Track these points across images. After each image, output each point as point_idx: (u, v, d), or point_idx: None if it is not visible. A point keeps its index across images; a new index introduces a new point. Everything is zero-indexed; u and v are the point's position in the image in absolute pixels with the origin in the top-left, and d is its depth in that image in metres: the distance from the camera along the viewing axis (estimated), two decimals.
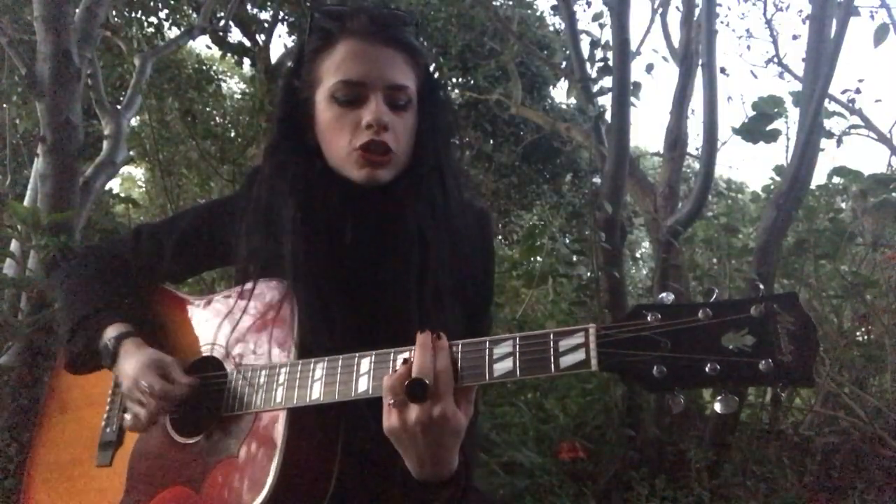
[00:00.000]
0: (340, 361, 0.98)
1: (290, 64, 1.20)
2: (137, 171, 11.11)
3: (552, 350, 0.86)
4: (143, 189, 9.96)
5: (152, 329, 1.21)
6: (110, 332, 1.16)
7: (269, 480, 0.95)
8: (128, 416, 1.11)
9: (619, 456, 2.84)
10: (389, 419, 0.90)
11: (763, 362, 0.76)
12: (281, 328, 1.07)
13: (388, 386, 0.90)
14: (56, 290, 1.33)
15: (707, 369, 0.78)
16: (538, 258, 3.62)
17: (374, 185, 1.11)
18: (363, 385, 0.95)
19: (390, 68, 1.08)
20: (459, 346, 0.91)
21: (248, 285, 1.14)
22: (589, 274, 3.26)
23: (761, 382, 0.78)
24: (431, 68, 1.19)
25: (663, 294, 0.84)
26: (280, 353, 1.05)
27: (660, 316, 0.81)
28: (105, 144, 3.42)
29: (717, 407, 0.80)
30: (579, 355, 0.84)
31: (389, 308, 1.10)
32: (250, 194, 1.21)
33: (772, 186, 3.80)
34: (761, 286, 0.80)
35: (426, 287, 1.11)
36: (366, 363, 0.96)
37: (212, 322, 1.18)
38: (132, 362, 1.10)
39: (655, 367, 0.80)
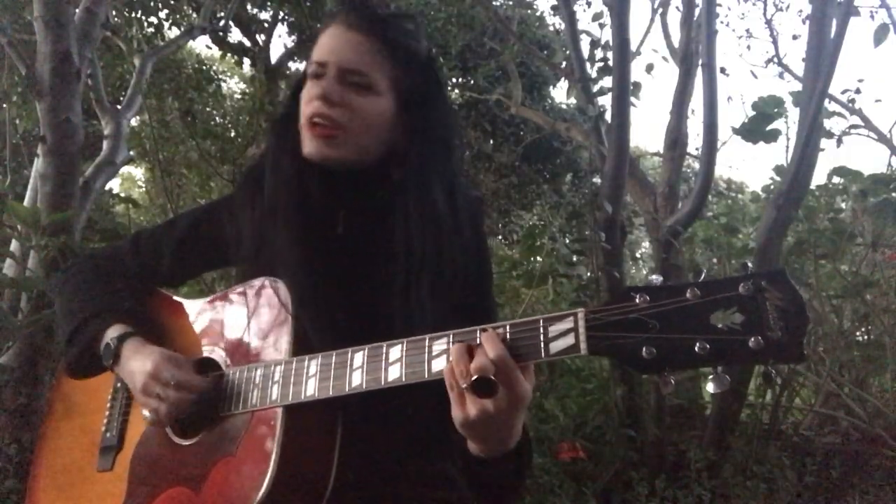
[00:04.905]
0: (334, 357, 0.98)
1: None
2: (137, 171, 11.13)
3: (542, 336, 0.86)
4: (143, 189, 9.98)
5: (152, 330, 1.20)
6: (111, 333, 1.16)
7: (267, 478, 0.95)
8: (146, 413, 1.09)
9: (619, 456, 2.84)
10: (466, 410, 0.87)
11: (753, 339, 0.75)
12: (275, 325, 1.07)
13: (455, 377, 0.87)
14: (54, 295, 1.33)
15: (696, 348, 0.77)
16: (538, 258, 3.62)
17: (324, 162, 1.12)
18: (357, 379, 0.95)
19: (350, 52, 1.11)
20: (451, 336, 0.91)
21: (242, 285, 1.14)
22: (589, 274, 3.26)
23: (752, 360, 0.77)
24: (427, 67, 1.19)
25: (652, 276, 0.83)
26: (275, 351, 1.05)
27: (648, 297, 0.81)
28: (105, 144, 3.42)
29: (710, 386, 0.79)
30: (569, 340, 0.84)
31: (378, 299, 1.11)
32: (246, 192, 1.22)
33: (772, 186, 3.80)
34: (749, 264, 0.80)
35: (409, 278, 1.10)
36: (359, 357, 0.96)
37: (207, 323, 1.18)
38: (143, 358, 1.10)
39: (644, 349, 0.79)
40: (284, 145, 1.18)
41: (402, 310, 1.09)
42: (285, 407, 0.99)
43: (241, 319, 1.12)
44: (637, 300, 0.81)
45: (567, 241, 3.70)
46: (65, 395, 1.32)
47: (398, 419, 1.08)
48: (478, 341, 0.88)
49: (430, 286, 1.11)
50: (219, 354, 1.13)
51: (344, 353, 0.98)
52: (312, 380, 0.98)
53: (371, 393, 0.96)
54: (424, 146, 1.15)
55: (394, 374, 0.93)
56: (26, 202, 2.83)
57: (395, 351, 0.94)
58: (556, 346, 0.85)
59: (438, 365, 0.91)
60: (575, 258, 3.41)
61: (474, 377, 0.84)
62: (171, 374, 1.06)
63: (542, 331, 0.86)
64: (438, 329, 0.94)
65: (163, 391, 1.06)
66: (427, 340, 0.92)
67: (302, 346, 1.04)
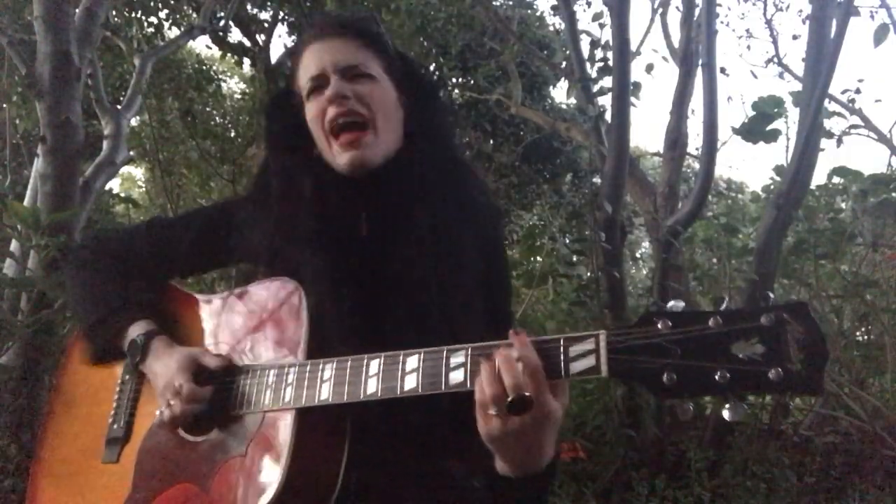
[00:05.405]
0: (350, 363, 0.98)
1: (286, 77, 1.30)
2: (137, 171, 11.14)
3: (562, 355, 0.86)
4: (143, 189, 9.98)
5: (169, 326, 1.21)
6: (136, 330, 1.17)
7: (278, 480, 0.95)
8: (159, 414, 1.11)
9: (619, 456, 2.84)
10: (491, 427, 0.86)
11: (773, 371, 0.76)
12: (291, 327, 1.07)
13: (488, 398, 0.85)
14: (69, 280, 1.33)
15: (717, 377, 0.78)
16: (538, 258, 3.62)
17: (361, 170, 1.14)
18: (372, 387, 0.95)
19: (341, 53, 1.18)
20: (469, 349, 0.91)
21: (257, 284, 1.15)
22: (589, 274, 3.26)
23: (771, 390, 0.77)
24: (404, 57, 1.27)
25: (672, 302, 0.83)
26: (289, 353, 1.05)
27: (670, 323, 0.81)
28: (105, 144, 3.43)
29: (726, 414, 0.80)
30: (589, 361, 0.84)
31: (398, 302, 1.11)
32: (261, 196, 1.24)
33: (772, 186, 3.79)
34: (771, 295, 0.81)
35: (429, 279, 1.12)
36: (375, 365, 0.96)
37: (221, 321, 1.18)
38: (166, 361, 1.12)
39: (665, 374, 0.80)
40: (298, 160, 1.20)
41: (420, 312, 1.09)
42: (297, 409, 0.99)
43: (255, 319, 1.12)
44: (659, 326, 0.81)
45: (567, 241, 3.70)
46: (67, 386, 1.32)
47: (405, 423, 1.08)
48: (496, 359, 0.86)
49: (450, 289, 1.12)
50: (232, 353, 1.13)
51: (359, 359, 0.97)
52: (327, 384, 0.98)
53: (384, 399, 0.96)
54: (425, 130, 1.20)
55: (410, 383, 0.93)
56: (26, 202, 2.84)
57: (412, 361, 0.94)
58: (576, 367, 0.85)
59: (456, 377, 0.90)
60: (575, 258, 3.41)
61: (510, 398, 0.83)
62: (182, 384, 1.07)
63: (562, 350, 0.86)
64: (457, 333, 0.95)
65: (173, 399, 1.07)
66: (445, 352, 0.92)
67: (318, 348, 1.04)
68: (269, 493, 0.95)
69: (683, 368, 0.79)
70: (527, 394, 0.83)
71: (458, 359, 0.91)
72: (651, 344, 0.81)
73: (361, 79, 1.16)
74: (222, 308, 1.19)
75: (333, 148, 1.15)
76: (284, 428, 0.99)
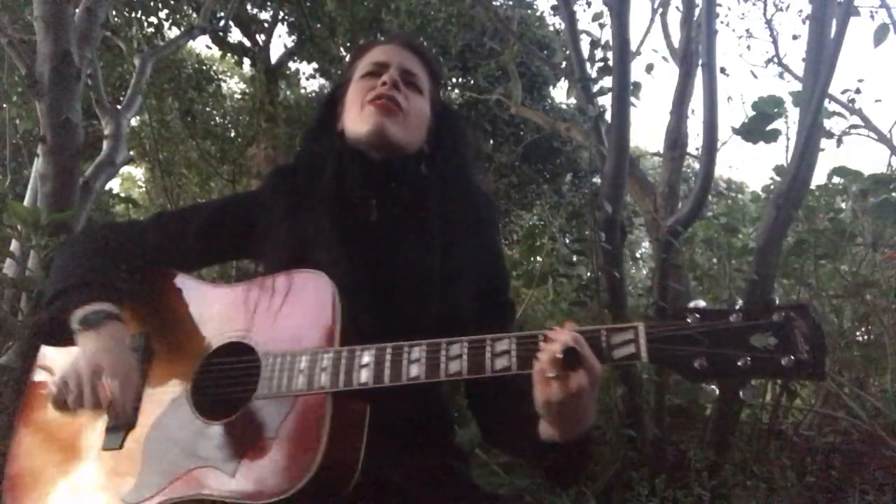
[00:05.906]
0: (389, 349, 1.02)
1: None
2: (137, 171, 11.14)
3: (605, 343, 0.97)
4: (143, 189, 9.99)
5: (143, 309, 1.20)
6: (93, 308, 1.15)
7: (315, 463, 0.96)
8: (53, 387, 1.12)
9: (619, 456, 2.84)
10: (551, 392, 0.95)
11: (785, 358, 0.90)
12: (320, 316, 1.08)
13: (544, 363, 0.95)
14: (56, 255, 1.32)
15: (740, 363, 0.92)
16: (538, 258, 3.62)
17: (380, 140, 1.24)
18: (415, 371, 1.00)
19: (409, 61, 1.36)
20: (513, 338, 0.99)
21: (282, 274, 1.16)
22: (589, 274, 3.25)
23: (784, 375, 0.91)
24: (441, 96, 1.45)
25: (697, 301, 0.98)
26: (319, 340, 1.07)
27: (699, 317, 0.95)
28: (105, 144, 3.43)
29: (743, 395, 0.94)
30: (630, 349, 0.96)
31: (410, 287, 1.17)
32: (276, 187, 1.30)
33: (772, 186, 3.79)
34: (777, 300, 0.94)
35: (445, 265, 1.19)
36: (416, 352, 1.01)
37: (240, 308, 1.18)
38: (108, 348, 1.11)
39: (697, 361, 0.93)
40: (323, 141, 1.31)
41: (433, 296, 1.15)
42: (331, 395, 1.02)
43: (281, 307, 1.13)
44: (689, 320, 0.95)
45: (567, 241, 3.70)
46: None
47: (416, 418, 1.14)
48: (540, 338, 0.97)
49: (459, 274, 1.20)
50: (253, 340, 1.13)
51: (399, 346, 1.03)
52: (366, 369, 1.02)
53: (395, 392, 1.00)
54: (449, 148, 1.35)
55: (454, 367, 0.99)
56: (26, 202, 2.84)
57: (455, 348, 1.00)
58: (618, 353, 0.97)
59: (501, 363, 0.98)
60: (575, 258, 3.41)
61: (560, 351, 0.93)
62: (114, 382, 1.09)
63: (604, 339, 0.97)
64: (457, 323, 1.02)
65: (90, 388, 1.08)
66: (488, 341, 1.00)
67: (344, 335, 1.06)
68: (306, 477, 0.96)
69: (712, 356, 0.93)
70: (574, 346, 0.94)
71: (502, 346, 0.99)
72: (684, 335, 0.95)
73: (412, 87, 1.33)
74: (243, 297, 1.19)
75: (364, 110, 1.27)
76: (321, 413, 1.01)
